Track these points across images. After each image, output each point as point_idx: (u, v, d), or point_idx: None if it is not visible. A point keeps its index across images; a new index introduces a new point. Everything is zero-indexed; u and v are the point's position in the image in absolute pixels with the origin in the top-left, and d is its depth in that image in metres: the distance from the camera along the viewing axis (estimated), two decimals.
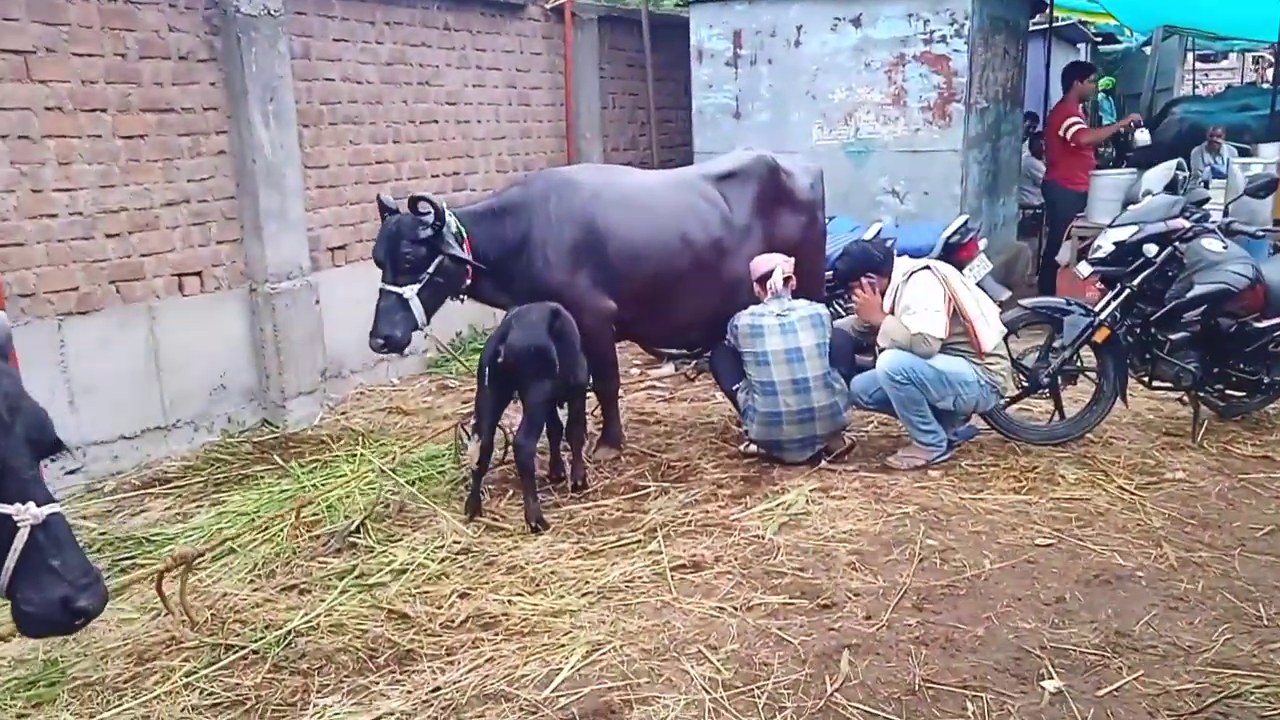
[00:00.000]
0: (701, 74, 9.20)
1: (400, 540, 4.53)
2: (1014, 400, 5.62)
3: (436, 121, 7.78)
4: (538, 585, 4.08)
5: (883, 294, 5.27)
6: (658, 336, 6.16)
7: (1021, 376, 5.54)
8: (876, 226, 6.91)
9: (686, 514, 4.74)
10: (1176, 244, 5.29)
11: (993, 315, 5.21)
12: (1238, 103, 15.15)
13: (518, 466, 4.66)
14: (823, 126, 8.89)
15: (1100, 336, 5.36)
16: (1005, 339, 5.45)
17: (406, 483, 5.14)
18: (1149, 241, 5.23)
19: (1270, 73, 25.19)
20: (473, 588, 4.08)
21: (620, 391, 5.88)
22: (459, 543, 4.47)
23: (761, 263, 5.39)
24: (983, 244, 7.40)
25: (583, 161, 9.27)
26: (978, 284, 6.91)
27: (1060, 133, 9.21)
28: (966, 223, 7.26)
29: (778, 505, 4.77)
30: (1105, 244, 5.36)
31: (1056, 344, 5.45)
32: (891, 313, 5.21)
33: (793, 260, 5.42)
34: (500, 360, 4.54)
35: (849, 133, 8.81)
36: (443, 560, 4.31)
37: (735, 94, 9.14)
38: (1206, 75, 31.69)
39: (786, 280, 5.34)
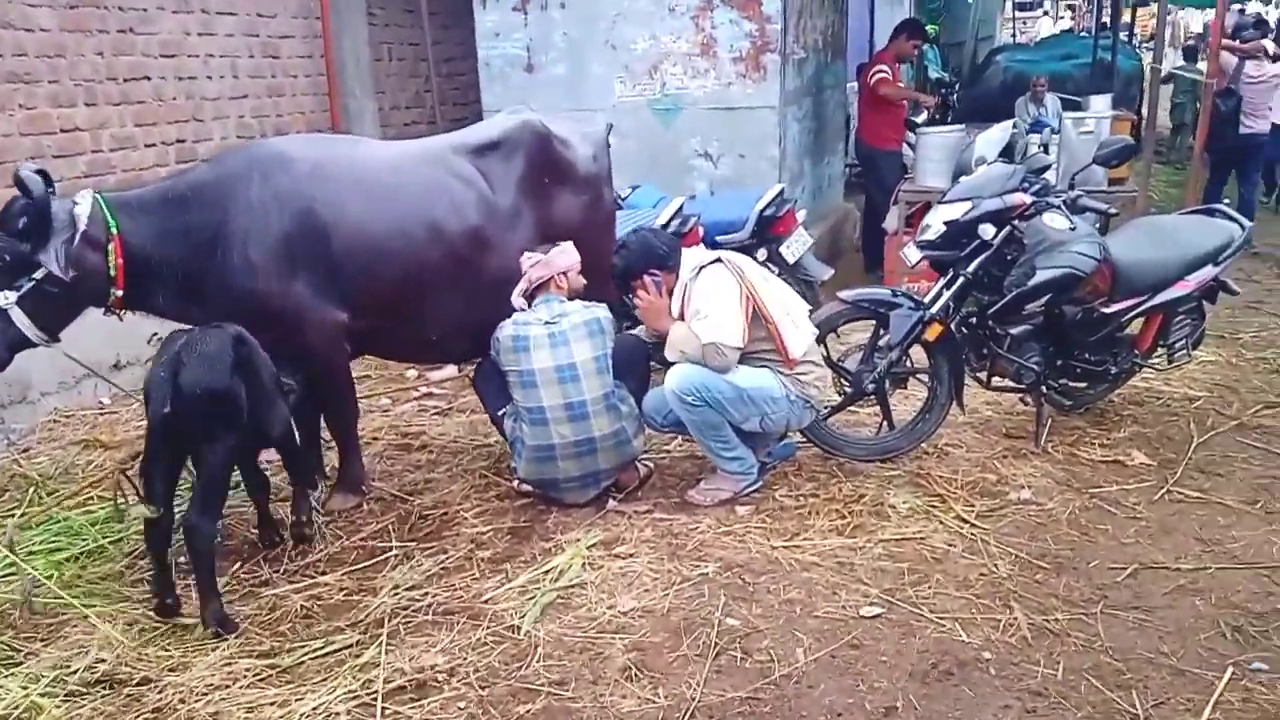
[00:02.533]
0: (486, 20, 8.00)
1: (18, 664, 3.28)
2: (835, 410, 4.75)
3: (149, 78, 6.32)
4: None
5: (671, 294, 4.27)
6: (406, 352, 5.02)
7: (843, 382, 4.68)
8: (677, 202, 5.90)
9: (427, 594, 3.66)
10: (1016, 223, 4.48)
11: (801, 315, 4.30)
12: (1059, 51, 14.93)
13: (190, 553, 3.45)
14: (625, 80, 7.84)
15: (932, 333, 4.52)
16: (822, 340, 4.56)
17: (66, 558, 3.89)
18: (985, 221, 4.40)
19: (1088, 19, 25.65)
20: None
21: (379, 407, 4.76)
22: (102, 663, 3.26)
23: (550, 260, 4.29)
24: (802, 214, 6.52)
25: (352, 125, 7.96)
26: (797, 262, 6.05)
27: (868, 80, 8.44)
28: (782, 192, 6.37)
29: (546, 573, 3.74)
30: (935, 224, 4.51)
31: (882, 342, 4.59)
32: (681, 318, 4.22)
33: (560, 249, 4.37)
34: (168, 411, 3.32)
35: (655, 87, 7.79)
36: (67, 697, 3.10)
37: (526, 43, 7.98)
38: (1025, 24, 32.26)
39: (547, 281, 4.28)
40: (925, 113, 8.71)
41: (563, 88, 7.88)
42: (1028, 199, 4.42)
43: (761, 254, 6.30)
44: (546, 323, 4.19)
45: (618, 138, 7.80)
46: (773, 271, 6.26)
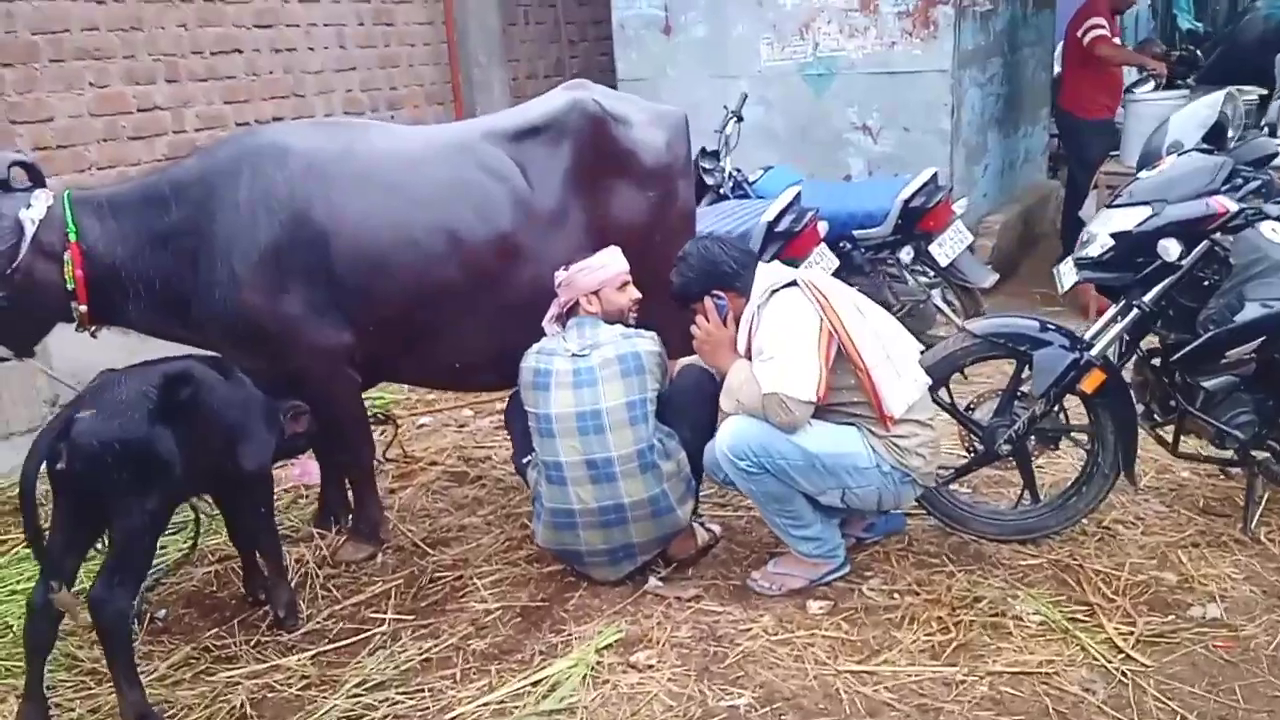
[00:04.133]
0: None
1: None
2: (960, 473, 3.70)
3: (240, 51, 5.90)
4: None
5: (737, 322, 3.34)
6: (427, 381, 4.32)
7: (973, 438, 3.61)
8: (790, 192, 4.88)
9: (388, 698, 2.96)
10: (1217, 237, 3.26)
11: (907, 358, 3.27)
12: None
13: (98, 634, 2.88)
14: (773, 42, 6.83)
15: (1090, 383, 3.38)
16: (942, 385, 3.52)
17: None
18: (1168, 235, 3.21)
19: None
20: None
21: (457, 420, 4.08)
22: None
23: (571, 281, 3.49)
24: (960, 206, 5.37)
25: (478, 97, 7.34)
26: (950, 265, 4.94)
27: (1079, 35, 6.98)
28: (935, 178, 5.23)
29: (536, 684, 2.96)
30: (1100, 234, 3.34)
31: (1025, 389, 3.49)
32: (747, 355, 3.29)
33: (617, 263, 3.53)
34: (62, 466, 2.76)
35: (806, 49, 6.74)
36: None
37: (664, 2, 7.07)
38: None
39: (590, 297, 3.46)
40: (1153, 81, 7.18)
41: (702, 51, 6.98)
42: (1233, 205, 3.19)
43: (906, 253, 5.22)
44: (574, 354, 3.37)
45: (762, 109, 6.90)
46: (921, 276, 5.20)
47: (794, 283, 3.21)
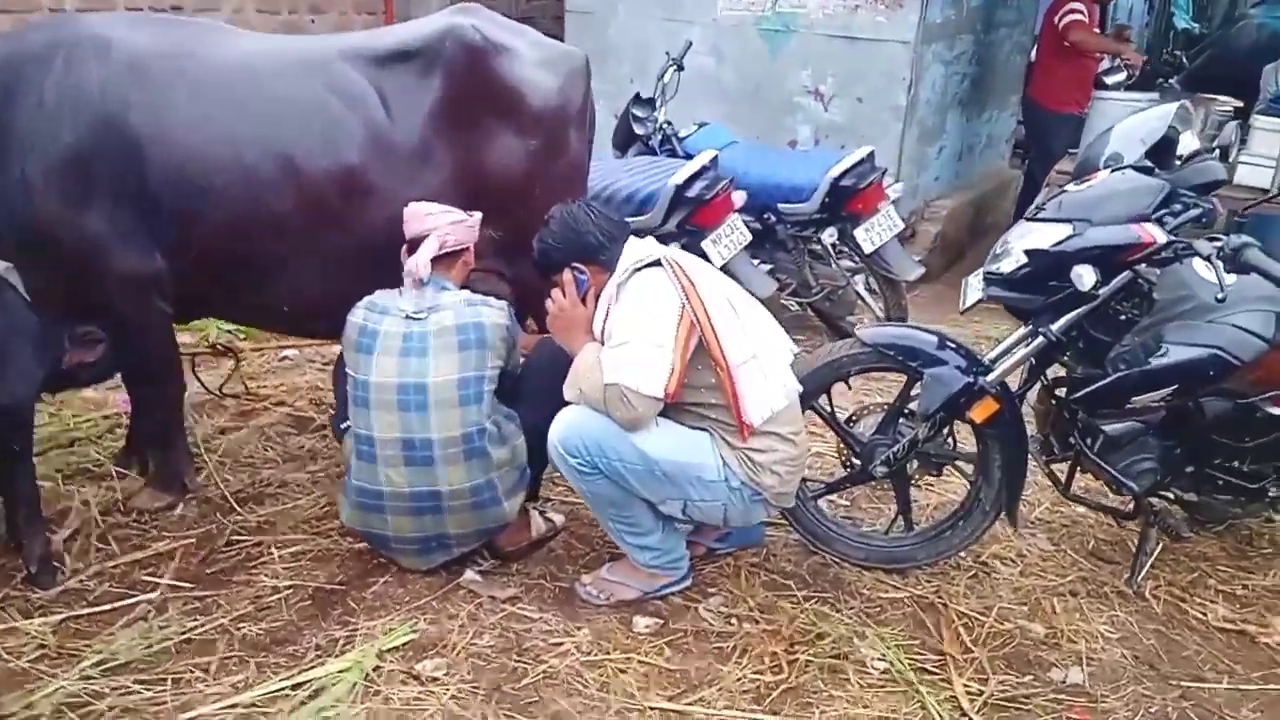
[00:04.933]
0: None
1: None
2: (831, 489, 3.35)
3: None
4: None
5: (598, 299, 2.93)
6: (251, 321, 3.87)
7: (850, 451, 3.25)
8: (706, 155, 4.43)
9: (117, 688, 2.57)
10: (1141, 268, 2.88)
11: (777, 359, 2.89)
12: None
13: None
14: None
15: (982, 411, 3.02)
16: (817, 397, 3.16)
17: None
18: (1085, 260, 2.82)
19: None
20: None
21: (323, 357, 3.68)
22: None
23: (416, 216, 3.07)
24: (895, 190, 4.96)
25: (411, 11, 6.74)
26: (875, 252, 4.56)
27: (1055, 21, 6.58)
28: (872, 157, 4.81)
29: (296, 687, 2.59)
30: (1014, 249, 2.94)
31: (913, 405, 3.13)
32: (602, 339, 2.89)
33: (472, 219, 3.11)
34: None
35: (766, 2, 6.24)
36: None
37: None
38: None
39: (442, 259, 3.03)
40: (1125, 72, 6.77)
41: None
42: (1161, 235, 2.80)
43: (830, 235, 4.82)
44: (409, 315, 2.95)
45: (713, 60, 6.42)
46: (847, 260, 4.81)
47: (659, 262, 2.80)
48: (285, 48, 3.33)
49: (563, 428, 2.81)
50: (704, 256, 4.30)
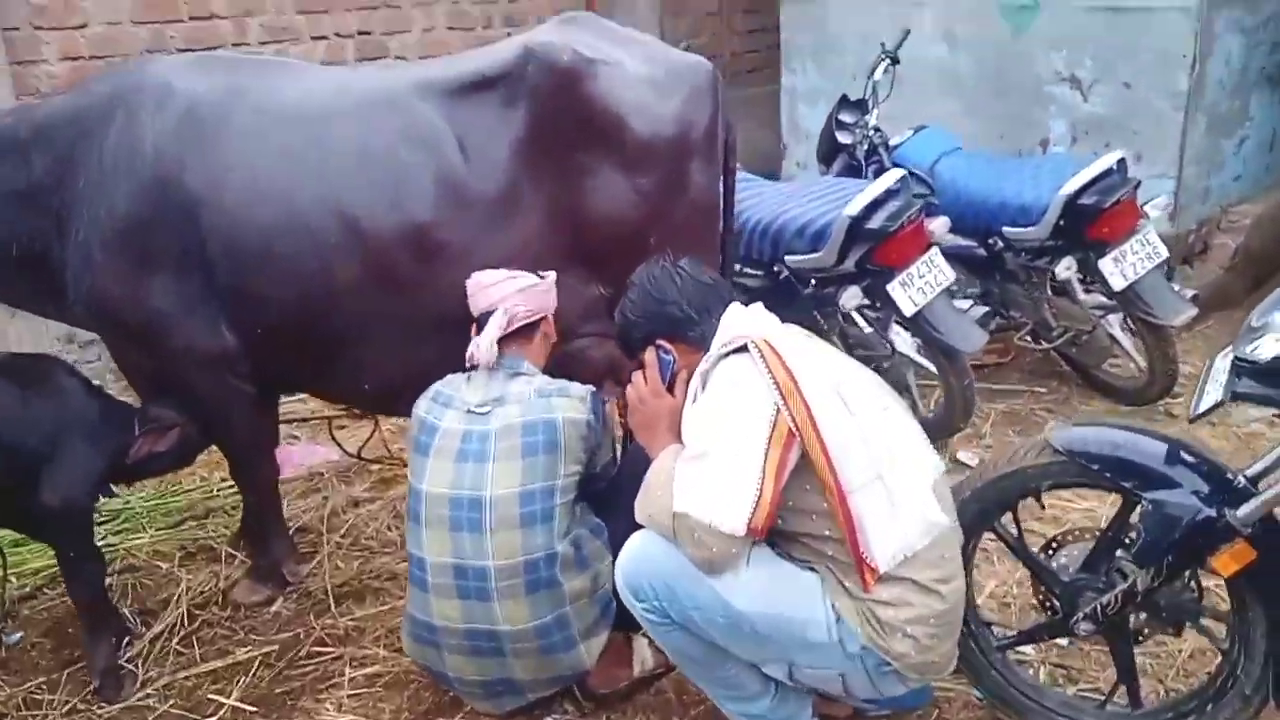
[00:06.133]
0: None
1: None
2: (1025, 639, 2.50)
3: None
4: None
5: (688, 386, 2.27)
6: (344, 399, 3.44)
7: (1049, 596, 2.39)
8: (893, 176, 3.57)
9: None
10: None
11: (915, 482, 2.11)
12: None
13: None
14: None
15: (1231, 562, 2.08)
16: (992, 521, 2.34)
17: None
18: None
19: None
20: None
21: None
22: None
23: (479, 288, 2.56)
24: (1155, 206, 3.90)
25: (616, 7, 6.29)
26: (1129, 288, 3.62)
27: None
28: (1122, 164, 3.80)
29: None
30: (1277, 327, 1.99)
31: (1133, 534, 2.23)
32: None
33: (545, 282, 2.56)
34: None
35: None
36: None
37: None
38: None
39: (514, 335, 2.49)
40: None
41: None
42: None
43: (1066, 267, 3.84)
44: (471, 409, 2.44)
45: (946, 46, 5.48)
46: (1100, 296, 3.84)
47: (745, 347, 2.11)
48: (350, 83, 2.90)
49: (627, 561, 2.19)
50: (890, 302, 3.51)
